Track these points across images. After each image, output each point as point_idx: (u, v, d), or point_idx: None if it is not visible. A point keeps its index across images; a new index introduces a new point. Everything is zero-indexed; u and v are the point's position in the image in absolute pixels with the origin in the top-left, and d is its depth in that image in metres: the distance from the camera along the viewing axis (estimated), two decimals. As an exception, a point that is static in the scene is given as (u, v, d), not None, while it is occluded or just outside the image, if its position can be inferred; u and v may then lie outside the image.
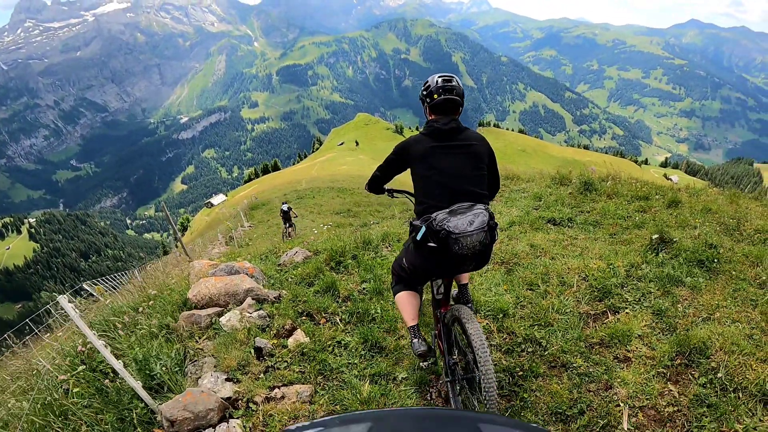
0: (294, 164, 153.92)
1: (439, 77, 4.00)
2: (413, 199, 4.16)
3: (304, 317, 5.95)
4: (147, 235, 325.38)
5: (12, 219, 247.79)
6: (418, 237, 3.65)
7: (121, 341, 5.26)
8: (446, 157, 3.83)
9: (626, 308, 5.45)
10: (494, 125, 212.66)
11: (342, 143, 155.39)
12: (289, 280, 7.11)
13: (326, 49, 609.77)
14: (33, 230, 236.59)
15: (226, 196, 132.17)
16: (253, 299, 6.18)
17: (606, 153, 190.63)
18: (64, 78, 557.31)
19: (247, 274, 6.93)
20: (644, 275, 6.08)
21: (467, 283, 5.06)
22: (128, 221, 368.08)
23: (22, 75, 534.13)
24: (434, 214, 3.59)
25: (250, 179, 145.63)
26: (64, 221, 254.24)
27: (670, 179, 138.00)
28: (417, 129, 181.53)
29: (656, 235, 6.89)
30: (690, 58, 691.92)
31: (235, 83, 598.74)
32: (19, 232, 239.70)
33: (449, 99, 3.92)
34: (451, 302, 4.51)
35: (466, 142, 3.89)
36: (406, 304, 4.39)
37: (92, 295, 10.14)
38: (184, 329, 5.63)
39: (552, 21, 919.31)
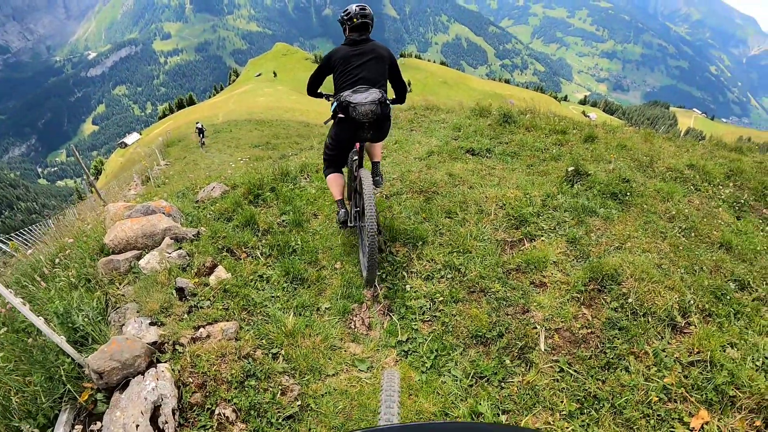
0: (210, 98, 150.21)
1: (356, 6, 5.32)
2: (329, 96, 5.70)
3: (224, 253, 5.86)
4: (60, 183, 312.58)
5: None
6: (331, 109, 5.35)
7: (40, 296, 5.05)
8: (358, 58, 5.24)
9: (542, 236, 5.62)
10: (416, 56, 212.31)
11: (260, 74, 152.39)
12: (208, 216, 6.92)
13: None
14: None
15: (141, 134, 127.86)
16: (171, 239, 6.01)
17: (527, 88, 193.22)
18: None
19: (164, 213, 6.71)
20: (559, 205, 6.27)
21: (378, 161, 6.04)
22: (39, 170, 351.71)
23: None
24: (343, 93, 5.07)
25: (164, 115, 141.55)
26: None
27: (589, 116, 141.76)
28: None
29: (572, 168, 7.08)
30: (616, 2, 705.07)
31: (146, 14, 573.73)
32: None
33: (363, 22, 5.34)
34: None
35: (372, 47, 5.32)
36: (333, 182, 5.82)
37: (6, 253, 9.75)
38: (104, 276, 5.44)
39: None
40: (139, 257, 5.74)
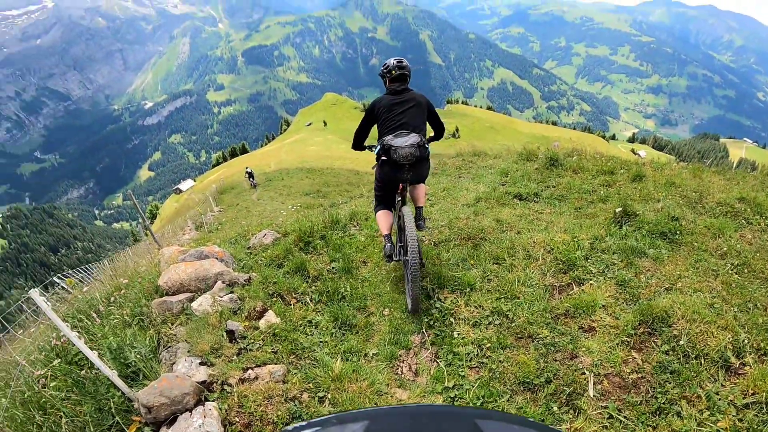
0: (262, 146, 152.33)
1: (394, 59, 6.02)
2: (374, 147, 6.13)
3: (274, 299, 6.00)
4: (116, 225, 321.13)
5: None
6: (375, 151, 5.95)
7: (94, 332, 5.25)
8: (399, 106, 5.80)
9: (590, 279, 5.54)
10: (462, 102, 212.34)
11: (310, 124, 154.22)
12: (259, 262, 7.15)
13: (292, 28, 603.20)
14: (0, 227, 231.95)
15: (195, 181, 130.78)
16: (223, 283, 6.20)
17: (574, 129, 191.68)
18: (24, 67, 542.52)
19: (216, 258, 6.93)
20: (608, 247, 6.18)
21: (422, 207, 6.43)
22: (96, 212, 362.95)
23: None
24: (386, 138, 5.62)
25: (218, 163, 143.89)
26: (31, 215, 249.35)
27: (638, 154, 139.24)
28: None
29: (620, 209, 7.01)
30: (657, 35, 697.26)
31: (200, 66, 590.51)
32: None
33: (401, 73, 5.94)
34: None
35: (411, 96, 5.88)
36: (381, 218, 6.27)
37: (64, 289, 10.05)
38: (157, 316, 5.64)
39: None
40: (191, 299, 5.95)
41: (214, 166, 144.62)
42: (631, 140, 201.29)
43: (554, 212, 7.85)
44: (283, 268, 6.84)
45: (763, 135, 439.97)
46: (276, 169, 51.04)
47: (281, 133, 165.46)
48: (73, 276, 10.65)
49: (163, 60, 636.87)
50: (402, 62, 6.02)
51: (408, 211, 5.69)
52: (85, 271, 11.46)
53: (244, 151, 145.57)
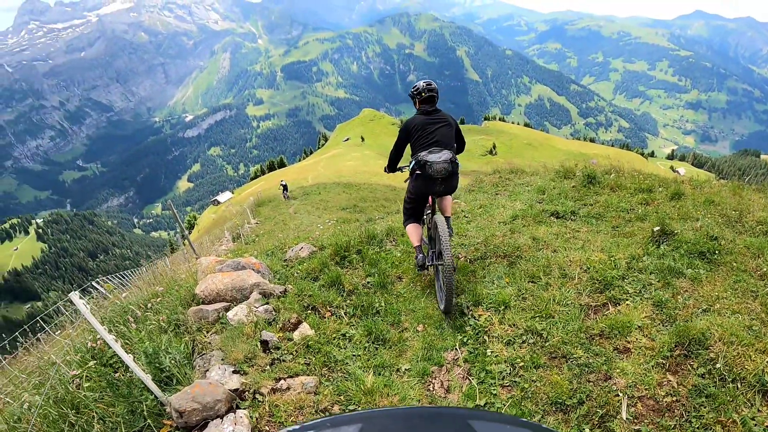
0: (300, 161, 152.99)
1: (423, 82, 6.68)
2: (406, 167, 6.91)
3: (309, 311, 6.07)
4: (154, 234, 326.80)
5: (20, 220, 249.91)
6: (410, 166, 6.43)
7: (131, 336, 5.35)
8: (432, 125, 6.35)
9: (627, 300, 5.47)
10: (499, 119, 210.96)
11: (347, 139, 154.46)
12: (295, 275, 7.23)
13: (330, 45, 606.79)
14: (41, 231, 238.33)
15: (233, 193, 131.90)
16: (259, 294, 6.29)
17: (612, 146, 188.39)
18: (68, 78, 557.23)
19: (253, 269, 7.02)
20: (645, 267, 6.09)
21: (450, 216, 6.99)
22: (135, 220, 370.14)
23: (27, 76, 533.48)
24: (420, 154, 6.13)
25: (256, 176, 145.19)
26: (72, 221, 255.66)
27: (677, 171, 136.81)
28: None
29: (658, 228, 6.91)
30: (696, 49, 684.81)
31: (240, 81, 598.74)
32: (27, 233, 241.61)
33: (430, 95, 6.61)
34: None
35: (441, 116, 6.49)
36: (412, 231, 6.81)
37: (101, 293, 10.23)
38: (193, 324, 5.74)
39: (556, 14, 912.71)
40: (227, 309, 6.07)
41: (252, 179, 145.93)
42: (670, 157, 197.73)
43: (591, 231, 7.76)
44: (319, 281, 6.89)
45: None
46: (313, 184, 51.43)
47: (319, 148, 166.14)
48: (111, 281, 10.84)
49: (204, 74, 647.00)
50: (431, 84, 6.68)
51: (441, 219, 6.18)
52: (123, 277, 11.66)
53: (281, 164, 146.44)
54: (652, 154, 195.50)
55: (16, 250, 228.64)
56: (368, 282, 6.92)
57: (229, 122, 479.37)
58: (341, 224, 16.80)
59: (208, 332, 5.59)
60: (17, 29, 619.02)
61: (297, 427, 1.44)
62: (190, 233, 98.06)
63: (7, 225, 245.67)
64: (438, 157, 6.03)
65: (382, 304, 6.24)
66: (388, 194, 39.96)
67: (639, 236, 7.17)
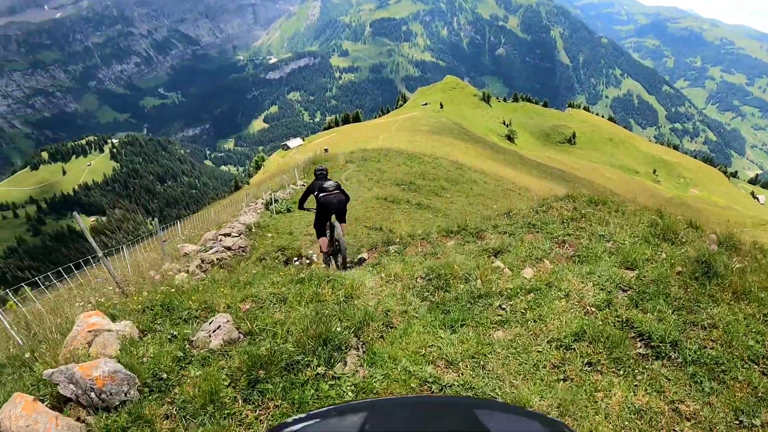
0: (375, 118, 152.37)
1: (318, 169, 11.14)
2: (312, 208, 10.86)
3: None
4: (224, 168, 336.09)
5: (96, 138, 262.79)
6: (316, 201, 10.27)
7: None
8: (324, 183, 10.25)
9: None
10: (584, 108, 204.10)
11: (426, 104, 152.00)
12: (174, 395, 4.21)
13: (423, 6, 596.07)
14: (115, 150, 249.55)
15: (303, 141, 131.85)
16: None
17: (695, 157, 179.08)
18: (159, 9, 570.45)
19: (94, 387, 4.12)
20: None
21: (342, 236, 10.05)
22: (207, 152, 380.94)
23: (118, 3, 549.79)
24: (320, 195, 10.05)
25: (330, 127, 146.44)
26: (146, 145, 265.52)
27: (757, 198, 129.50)
28: (504, 99, 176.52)
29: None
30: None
31: (327, 30, 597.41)
32: (102, 151, 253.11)
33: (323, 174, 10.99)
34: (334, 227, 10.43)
35: (336, 184, 10.32)
36: (322, 242, 10.66)
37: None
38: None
39: (660, 8, 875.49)
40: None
41: (325, 129, 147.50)
42: (753, 181, 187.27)
43: (703, 402, 4.23)
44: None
45: None
46: (377, 148, 48.59)
47: (396, 108, 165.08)
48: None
49: (293, 19, 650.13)
50: (322, 169, 11.06)
51: (338, 225, 10.17)
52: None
53: (356, 119, 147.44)
54: (734, 175, 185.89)
55: (89, 165, 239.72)
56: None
57: (311, 69, 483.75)
58: (388, 205, 17.18)
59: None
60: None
61: (303, 415, 1.46)
62: (256, 173, 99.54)
63: (83, 141, 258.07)
64: (332, 196, 10.09)
65: None
66: (452, 173, 37.05)
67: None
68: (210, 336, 5.03)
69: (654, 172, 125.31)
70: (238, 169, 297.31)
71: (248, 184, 77.56)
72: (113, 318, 5.55)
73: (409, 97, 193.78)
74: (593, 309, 5.56)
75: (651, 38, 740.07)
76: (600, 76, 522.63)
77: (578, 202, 9.63)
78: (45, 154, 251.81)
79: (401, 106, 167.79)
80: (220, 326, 5.11)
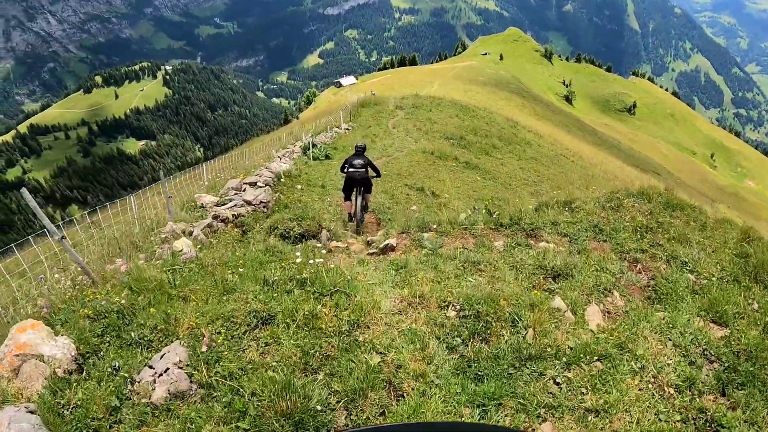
0: (432, 63, 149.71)
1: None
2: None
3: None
4: (275, 100, 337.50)
5: (150, 64, 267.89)
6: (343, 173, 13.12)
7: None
8: (354, 161, 12.85)
9: None
10: (648, 78, 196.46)
11: (486, 53, 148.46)
12: None
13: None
14: (168, 77, 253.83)
15: (357, 80, 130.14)
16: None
17: (756, 148, 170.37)
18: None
19: None
20: None
21: (360, 209, 12.71)
22: (260, 83, 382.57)
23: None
24: (348, 170, 12.74)
25: (385, 68, 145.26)
26: (199, 73, 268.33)
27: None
28: (567, 59, 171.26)
29: None
30: None
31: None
32: (155, 77, 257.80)
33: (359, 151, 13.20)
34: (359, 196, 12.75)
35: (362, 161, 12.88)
36: (346, 205, 12.91)
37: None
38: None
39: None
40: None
41: (380, 69, 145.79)
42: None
43: None
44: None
45: None
46: (430, 95, 46.48)
47: (454, 55, 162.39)
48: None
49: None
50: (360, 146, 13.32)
51: (360, 196, 12.65)
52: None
53: (413, 62, 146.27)
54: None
55: (142, 90, 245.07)
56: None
57: (371, 8, 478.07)
58: (432, 161, 17.31)
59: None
60: None
61: None
62: (306, 108, 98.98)
63: (137, 67, 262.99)
64: (355, 168, 12.59)
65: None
66: (506, 131, 35.12)
67: None
68: (155, 381, 3.97)
69: (711, 156, 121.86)
70: (289, 102, 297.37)
71: (297, 118, 77.64)
72: (55, 330, 4.63)
73: (469, 45, 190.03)
74: (672, 392, 4.14)
75: (727, 15, 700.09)
76: (669, 47, 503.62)
77: (654, 202, 7.95)
78: (98, 78, 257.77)
79: (460, 53, 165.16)
80: (168, 369, 3.99)
